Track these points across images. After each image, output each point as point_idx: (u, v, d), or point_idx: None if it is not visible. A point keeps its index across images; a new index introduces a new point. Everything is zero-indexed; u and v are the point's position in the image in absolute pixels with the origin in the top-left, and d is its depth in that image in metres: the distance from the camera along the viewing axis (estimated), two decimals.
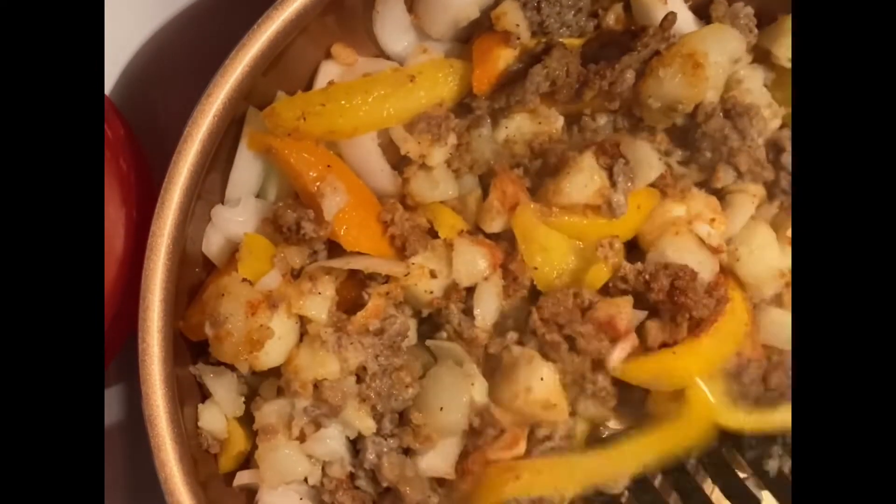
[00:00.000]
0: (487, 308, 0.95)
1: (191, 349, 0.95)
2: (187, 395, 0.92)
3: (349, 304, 0.96)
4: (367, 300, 0.94)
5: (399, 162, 0.96)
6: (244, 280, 0.91)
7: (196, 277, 0.95)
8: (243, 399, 0.95)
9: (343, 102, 0.91)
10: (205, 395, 0.95)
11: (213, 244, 0.94)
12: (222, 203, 0.96)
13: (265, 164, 0.95)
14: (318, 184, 0.91)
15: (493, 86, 0.94)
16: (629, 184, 0.93)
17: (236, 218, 0.94)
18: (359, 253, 0.94)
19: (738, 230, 0.98)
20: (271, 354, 0.91)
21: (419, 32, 0.98)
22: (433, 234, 0.96)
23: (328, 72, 0.97)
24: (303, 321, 0.94)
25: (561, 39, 0.95)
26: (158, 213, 0.85)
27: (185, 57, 1.05)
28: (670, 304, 0.93)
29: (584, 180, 0.93)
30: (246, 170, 0.95)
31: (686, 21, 0.98)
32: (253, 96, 0.91)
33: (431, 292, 0.95)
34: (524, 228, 0.93)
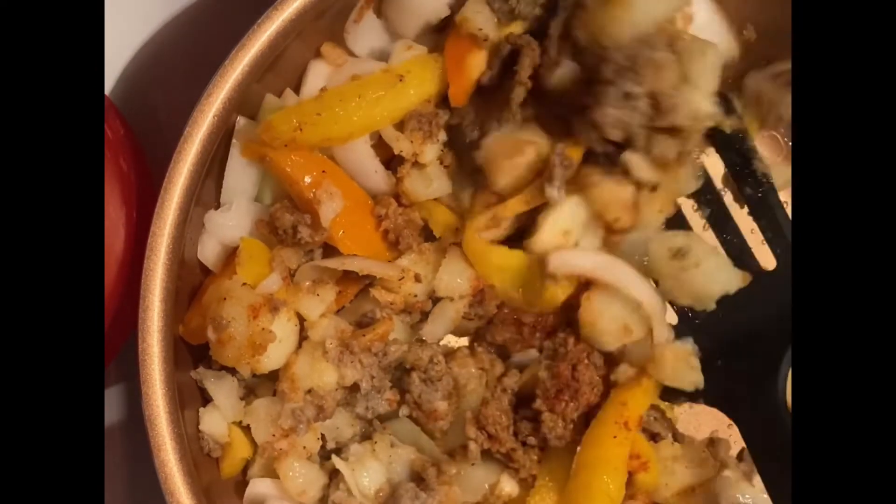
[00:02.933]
0: (436, 327, 0.97)
1: (191, 353, 0.95)
2: (188, 399, 0.92)
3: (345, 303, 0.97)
4: (376, 318, 0.95)
5: (391, 161, 0.96)
6: (245, 283, 0.91)
7: (195, 281, 0.95)
8: (244, 403, 0.95)
9: (338, 110, 0.91)
10: (206, 399, 0.95)
11: (207, 250, 0.94)
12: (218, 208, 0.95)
13: (259, 168, 0.95)
14: (314, 190, 0.91)
15: (470, 95, 0.94)
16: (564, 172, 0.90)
17: (228, 222, 0.94)
18: (354, 255, 0.94)
19: None
20: (272, 357, 0.91)
21: (392, 36, 0.97)
22: (428, 232, 0.96)
23: (317, 72, 0.96)
24: (303, 326, 0.94)
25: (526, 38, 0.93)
26: (158, 213, 0.85)
27: (185, 57, 1.05)
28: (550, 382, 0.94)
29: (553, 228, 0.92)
30: (240, 175, 0.94)
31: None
32: (242, 102, 0.90)
33: (415, 296, 0.95)
34: (475, 254, 0.94)
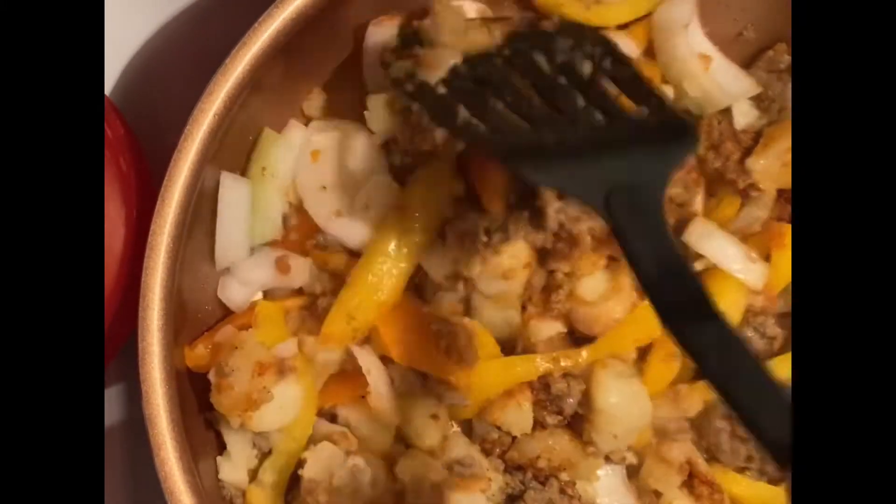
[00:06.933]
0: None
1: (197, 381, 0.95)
2: (201, 446, 0.92)
3: None
4: None
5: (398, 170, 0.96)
6: (260, 340, 0.91)
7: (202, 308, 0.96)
8: (257, 453, 0.95)
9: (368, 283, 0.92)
10: (208, 406, 0.94)
11: (229, 291, 0.96)
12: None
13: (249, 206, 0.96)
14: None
15: None
16: None
17: (252, 272, 0.96)
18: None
19: None
20: (265, 419, 0.90)
21: None
22: None
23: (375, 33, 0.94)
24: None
25: None
26: (158, 212, 0.85)
27: (185, 57, 1.05)
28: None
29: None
30: (233, 230, 0.95)
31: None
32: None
33: None
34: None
